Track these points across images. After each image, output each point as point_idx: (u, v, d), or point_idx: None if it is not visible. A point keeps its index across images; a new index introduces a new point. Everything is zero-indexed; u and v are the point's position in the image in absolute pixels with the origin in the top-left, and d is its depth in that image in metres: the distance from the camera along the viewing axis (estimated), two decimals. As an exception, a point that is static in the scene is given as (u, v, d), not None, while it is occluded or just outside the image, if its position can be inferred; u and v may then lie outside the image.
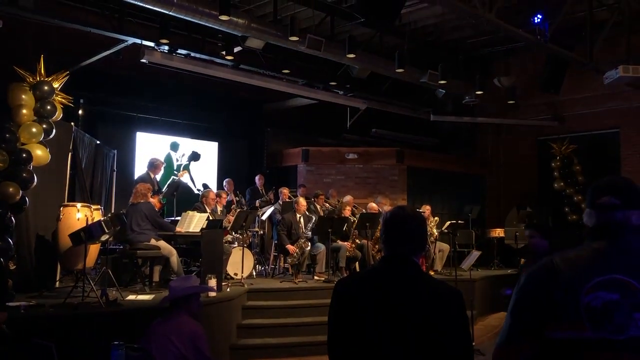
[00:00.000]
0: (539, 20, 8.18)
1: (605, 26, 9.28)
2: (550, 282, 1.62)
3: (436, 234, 9.75)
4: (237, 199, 9.75)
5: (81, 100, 9.35)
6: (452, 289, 1.95)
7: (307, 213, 8.76)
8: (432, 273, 9.08)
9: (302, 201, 8.76)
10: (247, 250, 8.07)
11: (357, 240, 8.89)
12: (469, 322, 1.95)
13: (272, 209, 9.35)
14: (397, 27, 10.29)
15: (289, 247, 8.26)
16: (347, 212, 9.02)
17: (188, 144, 11.41)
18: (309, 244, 8.17)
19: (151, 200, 7.13)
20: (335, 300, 2.03)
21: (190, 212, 7.38)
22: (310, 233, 8.44)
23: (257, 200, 10.07)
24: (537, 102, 12.46)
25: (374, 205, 9.60)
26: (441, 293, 1.92)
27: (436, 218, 10.07)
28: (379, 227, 9.37)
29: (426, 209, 9.90)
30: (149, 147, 10.86)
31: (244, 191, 10.38)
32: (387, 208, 9.72)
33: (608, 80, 9.03)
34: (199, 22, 8.03)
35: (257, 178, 10.71)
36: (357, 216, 9.00)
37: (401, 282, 1.93)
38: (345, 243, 8.65)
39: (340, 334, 1.96)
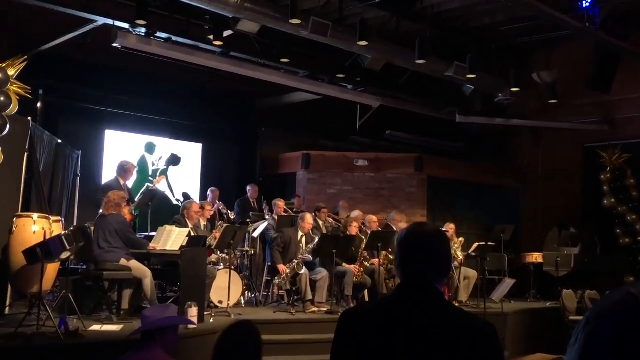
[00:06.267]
0: (587, 4, 8.20)
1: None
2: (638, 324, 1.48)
3: (461, 257, 9.73)
4: (225, 211, 9.74)
5: (40, 91, 9.38)
6: (485, 323, 1.93)
7: (311, 233, 8.76)
8: (456, 304, 9.04)
9: (309, 218, 8.74)
10: (234, 274, 8.07)
11: (366, 264, 8.88)
12: (505, 364, 1.93)
13: (265, 224, 9.35)
14: (417, 10, 10.32)
15: (280, 266, 8.30)
16: (353, 229, 9.01)
17: (166, 146, 11.44)
18: (303, 267, 8.16)
19: (124, 212, 7.14)
20: (341, 336, 2.01)
21: (168, 227, 7.39)
22: (310, 256, 8.42)
23: (250, 214, 10.07)
24: (584, 102, 12.46)
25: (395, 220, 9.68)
26: (471, 328, 1.90)
27: (461, 239, 10.06)
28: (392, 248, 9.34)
29: (450, 228, 9.90)
30: (120, 148, 10.90)
31: (233, 203, 10.37)
32: (402, 226, 9.74)
33: (669, 77, 9.03)
34: (183, 0, 8.06)
35: (249, 188, 10.74)
36: (368, 235, 8.99)
37: (422, 314, 1.91)
38: (352, 266, 8.64)
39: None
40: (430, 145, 13.72)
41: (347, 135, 13.36)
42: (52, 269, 6.24)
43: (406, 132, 13.40)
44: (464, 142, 14.26)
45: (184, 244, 7.21)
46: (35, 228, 6.22)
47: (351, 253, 8.77)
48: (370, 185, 12.25)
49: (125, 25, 8.83)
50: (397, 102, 12.44)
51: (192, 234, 7.68)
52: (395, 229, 9.64)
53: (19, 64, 6.25)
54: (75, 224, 8.15)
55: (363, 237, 8.97)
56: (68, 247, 5.90)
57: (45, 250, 5.69)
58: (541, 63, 12.57)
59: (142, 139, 11.35)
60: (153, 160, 11.34)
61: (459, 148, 14.19)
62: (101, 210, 7.10)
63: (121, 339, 5.46)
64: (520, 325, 9.56)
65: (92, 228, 7.15)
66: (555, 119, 12.93)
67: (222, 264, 8.19)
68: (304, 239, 8.62)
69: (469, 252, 10.13)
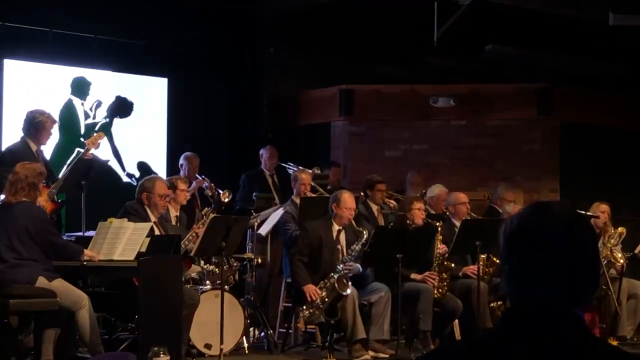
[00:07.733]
0: None
1: None
2: None
3: (622, 262, 9.69)
4: (212, 192, 9.80)
5: None
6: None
7: (354, 224, 8.74)
8: (613, 342, 9.03)
9: (349, 199, 8.73)
10: (231, 298, 8.14)
11: (448, 265, 8.87)
12: None
13: (279, 213, 9.39)
14: None
15: (308, 287, 8.30)
16: (417, 215, 9.00)
17: (108, 83, 11.49)
18: (349, 284, 8.16)
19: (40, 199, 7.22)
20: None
21: (116, 221, 7.46)
22: (358, 265, 8.42)
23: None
24: None
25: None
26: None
27: (621, 229, 10.00)
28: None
29: (601, 211, 9.90)
30: (29, 90, 10.99)
31: (224, 178, 10.45)
32: (517, 209, 9.70)
33: None
34: None
35: (263, 152, 10.84)
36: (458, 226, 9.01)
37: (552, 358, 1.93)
38: (427, 276, 8.65)
39: None
40: (563, 70, 13.59)
41: (417, 56, 13.31)
42: None
43: (520, 46, 13.28)
44: (623, 62, 14.07)
45: (143, 249, 7.28)
46: None
47: (427, 256, 8.73)
48: (459, 141, 12.27)
49: None
50: (503, -5, 12.33)
51: (157, 232, 7.76)
52: (502, 212, 9.63)
53: None
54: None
55: (438, 225, 8.95)
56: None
57: None
58: None
59: (67, 72, 11.42)
60: (86, 108, 11.40)
61: (615, 73, 14.02)
62: (2, 196, 7.18)
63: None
64: None
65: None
66: None
67: (208, 282, 8.27)
68: (342, 236, 8.64)
69: (636, 252, 10.07)
